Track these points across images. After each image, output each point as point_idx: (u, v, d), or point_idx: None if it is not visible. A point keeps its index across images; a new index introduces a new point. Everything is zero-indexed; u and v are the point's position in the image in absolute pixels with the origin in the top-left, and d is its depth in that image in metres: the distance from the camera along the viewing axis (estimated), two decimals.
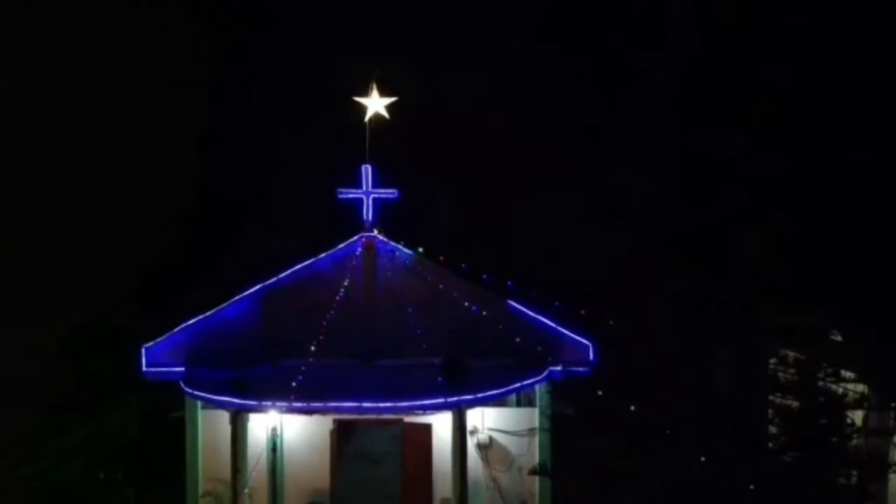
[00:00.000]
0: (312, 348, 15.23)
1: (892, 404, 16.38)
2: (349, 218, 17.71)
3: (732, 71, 13.49)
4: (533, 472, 15.67)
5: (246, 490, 15.51)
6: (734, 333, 14.36)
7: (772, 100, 13.28)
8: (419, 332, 15.87)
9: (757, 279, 13.28)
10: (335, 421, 16.89)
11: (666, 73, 13.56)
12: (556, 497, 15.24)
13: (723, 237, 13.42)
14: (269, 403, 14.48)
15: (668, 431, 12.94)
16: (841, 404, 14.36)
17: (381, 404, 14.75)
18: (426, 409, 15.30)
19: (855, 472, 14.14)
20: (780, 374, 13.72)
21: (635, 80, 13.92)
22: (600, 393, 14.60)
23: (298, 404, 14.26)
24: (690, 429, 13.09)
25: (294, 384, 14.32)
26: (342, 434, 17.10)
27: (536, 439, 16.48)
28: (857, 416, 17.95)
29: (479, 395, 14.92)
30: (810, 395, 13.53)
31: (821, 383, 14.36)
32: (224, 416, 16.42)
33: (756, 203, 13.24)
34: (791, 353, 14.19)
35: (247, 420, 15.45)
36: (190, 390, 15.59)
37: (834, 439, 13.90)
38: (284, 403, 14.24)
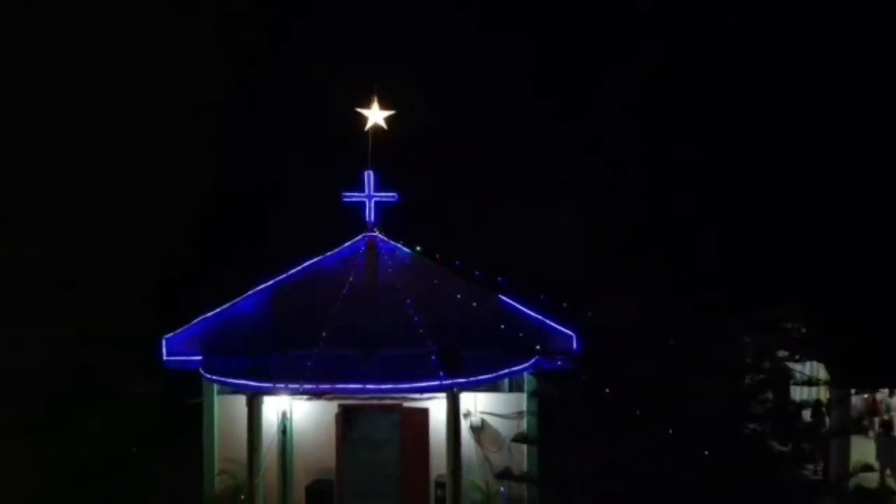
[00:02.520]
0: (322, 337, 15.95)
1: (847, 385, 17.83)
2: (353, 219, 18.43)
3: (689, 87, 14.75)
4: (516, 439, 16.56)
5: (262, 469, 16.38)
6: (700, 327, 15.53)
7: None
8: (417, 321, 16.55)
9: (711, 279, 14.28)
10: (340, 405, 17.95)
11: (628, 90, 14.77)
12: (543, 466, 16.25)
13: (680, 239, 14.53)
14: (282, 386, 15.28)
15: (638, 411, 13.97)
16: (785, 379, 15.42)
17: (384, 386, 15.53)
18: (423, 391, 16.08)
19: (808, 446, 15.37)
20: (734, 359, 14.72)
21: (604, 93, 15.08)
22: (584, 377, 15.67)
23: (309, 386, 14.97)
24: (660, 409, 14.24)
25: (304, 370, 15.09)
26: (346, 418, 18.26)
27: (525, 421, 17.44)
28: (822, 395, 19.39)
29: (472, 379, 15.77)
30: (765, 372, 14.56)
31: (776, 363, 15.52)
32: (237, 402, 17.34)
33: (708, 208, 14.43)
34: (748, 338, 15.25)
35: (261, 402, 16.29)
36: (209, 376, 16.47)
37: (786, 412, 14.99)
38: (297, 385, 14.98)
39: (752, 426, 14.13)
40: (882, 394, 21.58)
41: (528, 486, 16.28)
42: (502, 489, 17.11)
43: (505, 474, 14.71)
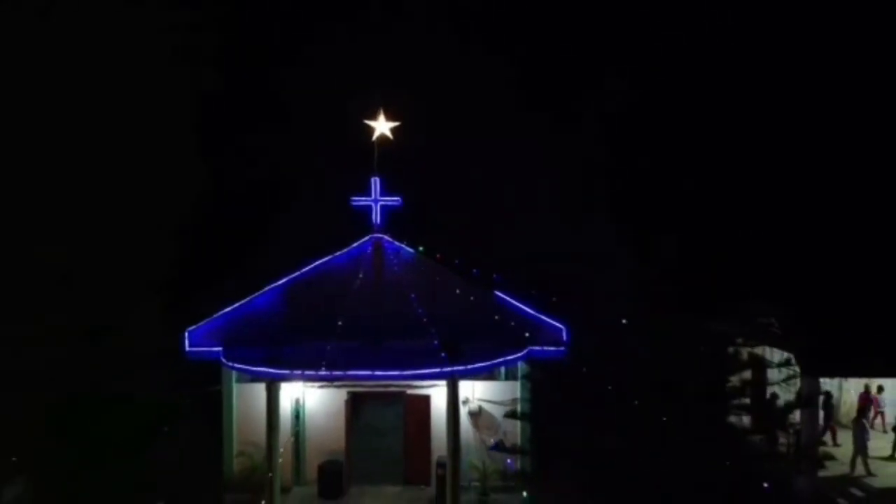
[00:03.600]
0: (334, 329, 17.15)
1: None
2: (361, 221, 19.70)
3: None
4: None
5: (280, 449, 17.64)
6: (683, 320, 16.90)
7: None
8: (421, 313, 17.83)
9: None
10: (349, 392, 19.49)
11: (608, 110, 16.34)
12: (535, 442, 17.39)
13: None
14: (298, 373, 16.64)
15: (621, 392, 15.33)
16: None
17: (390, 372, 16.86)
18: (426, 378, 17.41)
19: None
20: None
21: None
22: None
23: (323, 373, 16.30)
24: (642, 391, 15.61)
25: (318, 358, 16.37)
26: (355, 404, 19.79)
27: (518, 407, 18.74)
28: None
29: (470, 366, 17.10)
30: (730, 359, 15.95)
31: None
32: (254, 390, 18.91)
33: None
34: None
35: (279, 388, 17.63)
36: (230, 363, 17.80)
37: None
38: (312, 372, 16.35)
39: (732, 410, 15.42)
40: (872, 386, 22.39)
41: (522, 458, 17.55)
42: (509, 461, 18.39)
43: (498, 447, 16.16)
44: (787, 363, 16.22)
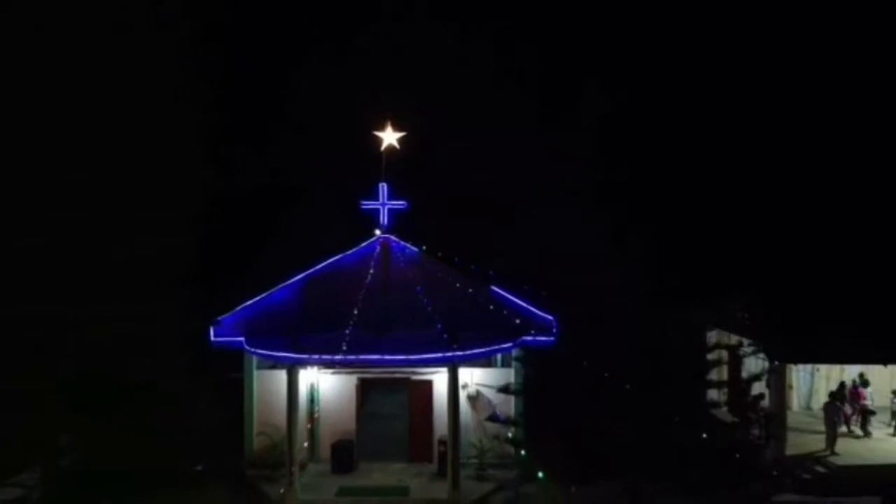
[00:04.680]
0: (348, 319, 18.89)
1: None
2: (370, 223, 21.47)
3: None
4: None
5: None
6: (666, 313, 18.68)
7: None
8: (426, 302, 19.51)
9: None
10: (359, 378, 21.35)
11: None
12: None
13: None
14: (316, 357, 18.45)
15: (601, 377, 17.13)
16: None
17: (398, 357, 18.66)
18: (429, 362, 19.14)
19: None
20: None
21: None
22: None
23: (339, 357, 18.09)
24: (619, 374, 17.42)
25: (333, 345, 18.25)
26: (364, 390, 21.54)
27: (512, 385, 20.09)
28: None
29: (468, 352, 18.81)
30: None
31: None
32: (272, 376, 20.81)
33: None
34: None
35: (298, 372, 19.40)
36: (253, 349, 19.63)
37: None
38: (328, 357, 18.17)
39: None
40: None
41: (515, 428, 19.27)
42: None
43: (492, 418, 18.06)
44: (739, 346, 18.07)
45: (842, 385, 23.31)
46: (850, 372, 24.19)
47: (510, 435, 19.10)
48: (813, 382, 25.35)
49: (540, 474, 17.79)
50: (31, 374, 18.03)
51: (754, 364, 22.99)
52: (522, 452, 18.46)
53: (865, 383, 23.24)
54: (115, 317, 22.98)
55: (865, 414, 22.74)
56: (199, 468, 18.08)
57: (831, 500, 19.00)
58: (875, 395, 23.20)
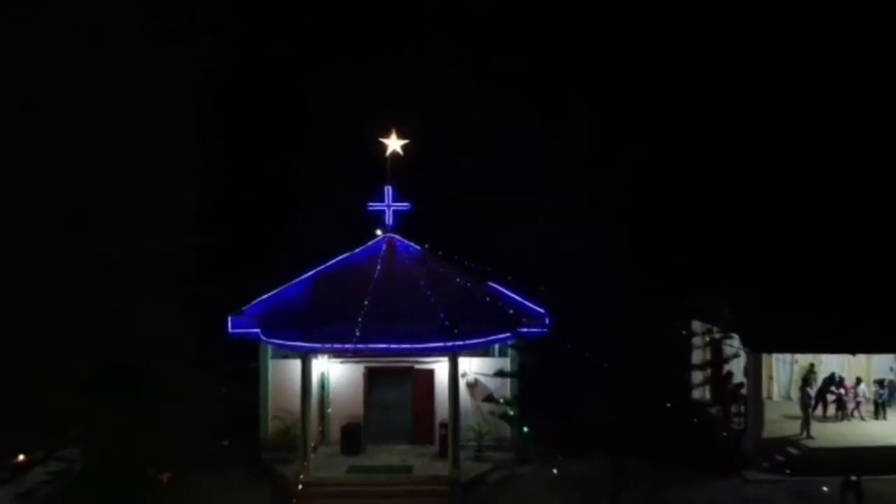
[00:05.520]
0: (357, 310, 20.22)
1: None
2: (376, 223, 23.04)
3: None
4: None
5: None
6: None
7: None
8: (429, 295, 20.91)
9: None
10: (366, 367, 22.90)
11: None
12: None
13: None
14: (328, 346, 19.95)
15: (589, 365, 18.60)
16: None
17: (403, 346, 20.14)
18: (432, 350, 20.59)
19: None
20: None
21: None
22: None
23: (349, 345, 19.52)
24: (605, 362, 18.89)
25: (343, 335, 19.64)
26: (371, 378, 23.04)
27: (508, 379, 21.86)
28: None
29: (467, 342, 20.31)
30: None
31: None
32: (286, 365, 22.28)
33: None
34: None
35: (311, 360, 20.87)
36: (268, 339, 21.15)
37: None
38: (339, 345, 19.64)
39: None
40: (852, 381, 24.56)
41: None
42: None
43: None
44: (708, 331, 19.60)
45: (810, 372, 24.99)
46: (828, 362, 25.81)
47: (509, 412, 20.47)
48: (792, 373, 26.79)
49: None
50: (68, 357, 19.35)
51: (734, 355, 24.80)
52: (523, 430, 19.93)
53: (858, 381, 24.68)
54: (137, 311, 24.32)
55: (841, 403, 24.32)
56: (225, 443, 19.62)
57: (802, 478, 20.65)
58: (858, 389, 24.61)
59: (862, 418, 24.08)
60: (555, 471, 19.07)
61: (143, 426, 18.68)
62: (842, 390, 24.40)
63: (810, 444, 22.29)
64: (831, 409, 24.37)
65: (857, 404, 24.39)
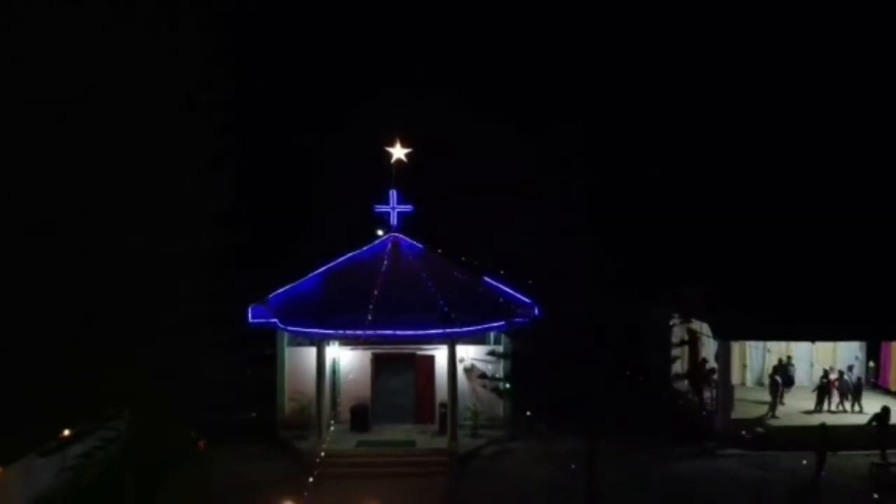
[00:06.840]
0: (368, 300, 22.21)
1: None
2: (382, 224, 25.16)
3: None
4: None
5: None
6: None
7: None
8: (431, 286, 22.82)
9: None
10: (373, 354, 25.06)
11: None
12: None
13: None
14: (341, 332, 21.95)
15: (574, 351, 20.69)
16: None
17: (407, 332, 22.06)
18: (432, 336, 22.57)
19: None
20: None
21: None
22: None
23: (359, 332, 21.61)
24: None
25: (355, 322, 21.66)
26: (377, 363, 25.17)
27: (501, 364, 23.74)
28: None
29: (464, 329, 22.30)
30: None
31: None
32: (300, 352, 24.31)
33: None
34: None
35: (325, 346, 23.03)
36: (286, 327, 23.27)
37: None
38: (350, 332, 21.71)
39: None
40: (835, 374, 25.89)
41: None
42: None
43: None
44: (685, 320, 21.81)
45: (788, 364, 27.02)
46: (798, 352, 27.90)
47: (504, 386, 22.52)
48: (765, 361, 29.02)
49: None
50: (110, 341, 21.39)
51: (710, 345, 27.01)
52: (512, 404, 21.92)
53: (841, 374, 26.16)
54: (162, 303, 26.55)
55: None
56: (254, 415, 21.85)
57: (765, 453, 23.03)
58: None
59: (845, 410, 25.45)
60: (543, 424, 21.00)
61: (177, 402, 20.95)
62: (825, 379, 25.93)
63: (774, 423, 24.58)
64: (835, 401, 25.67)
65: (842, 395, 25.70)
